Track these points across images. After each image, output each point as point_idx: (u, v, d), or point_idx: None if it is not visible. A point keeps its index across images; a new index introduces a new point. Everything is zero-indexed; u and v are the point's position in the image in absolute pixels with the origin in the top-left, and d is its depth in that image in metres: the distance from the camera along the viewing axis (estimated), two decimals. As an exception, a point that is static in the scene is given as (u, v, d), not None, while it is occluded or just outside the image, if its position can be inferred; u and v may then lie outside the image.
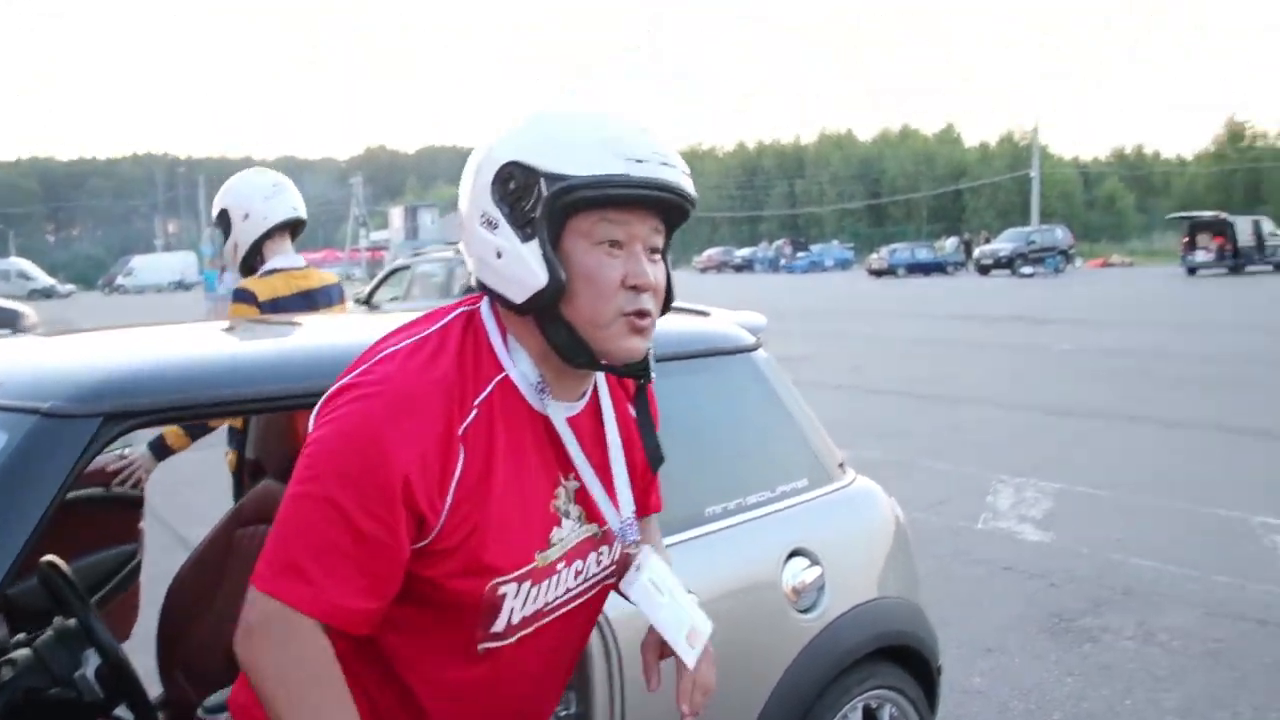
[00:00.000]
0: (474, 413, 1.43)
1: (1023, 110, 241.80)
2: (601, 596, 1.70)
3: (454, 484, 1.39)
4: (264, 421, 3.25)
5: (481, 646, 1.51)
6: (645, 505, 1.74)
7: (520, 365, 1.49)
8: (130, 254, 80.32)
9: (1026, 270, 46.07)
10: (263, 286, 3.88)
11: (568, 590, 1.57)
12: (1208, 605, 5.15)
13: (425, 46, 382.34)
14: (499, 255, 1.44)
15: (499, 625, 1.50)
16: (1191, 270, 42.91)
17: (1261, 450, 8.83)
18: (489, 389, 1.46)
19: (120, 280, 70.97)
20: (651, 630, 1.68)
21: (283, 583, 1.34)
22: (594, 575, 1.62)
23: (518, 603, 1.50)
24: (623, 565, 1.68)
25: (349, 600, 1.35)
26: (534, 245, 1.42)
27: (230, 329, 2.65)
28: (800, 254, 67.20)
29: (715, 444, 2.66)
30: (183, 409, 1.91)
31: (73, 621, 2.23)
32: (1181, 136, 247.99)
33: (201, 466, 5.14)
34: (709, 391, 2.69)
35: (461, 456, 1.40)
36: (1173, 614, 5.09)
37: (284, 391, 1.99)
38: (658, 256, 1.50)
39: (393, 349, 1.45)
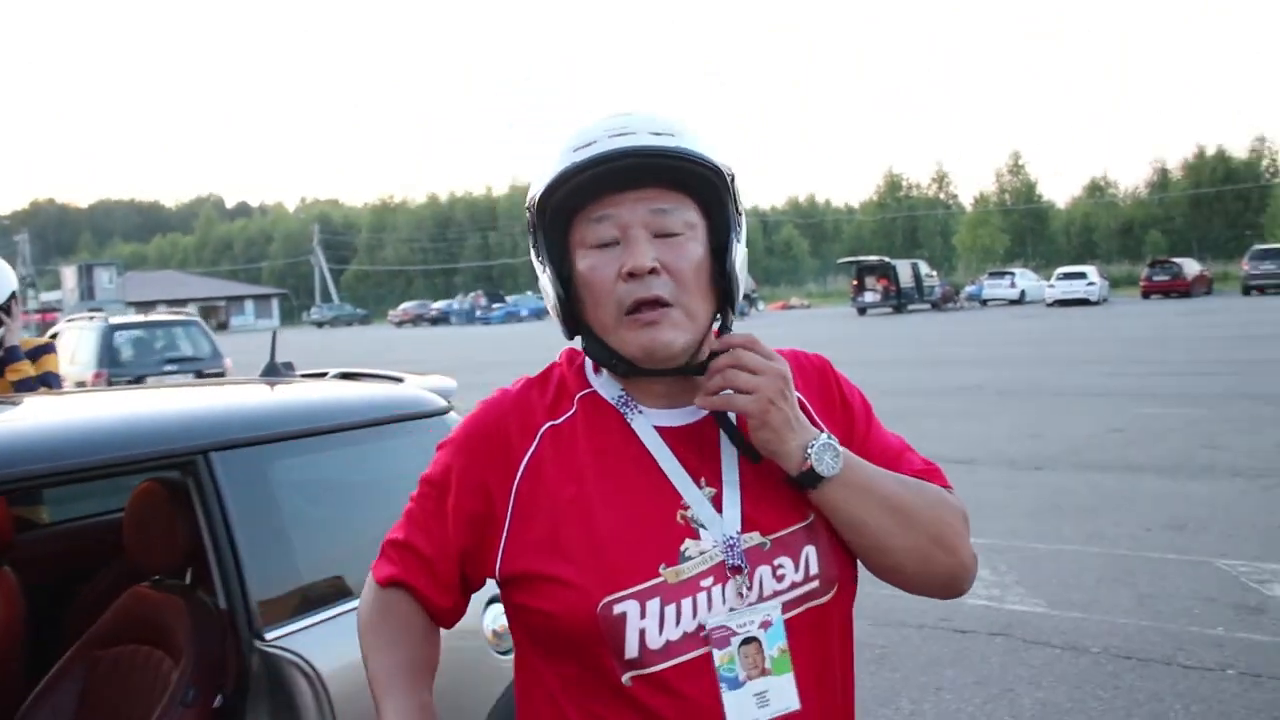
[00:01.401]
0: (544, 427, 1.44)
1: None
2: (824, 621, 1.42)
3: (514, 489, 1.41)
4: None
5: (626, 677, 1.33)
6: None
7: (604, 383, 1.47)
8: None
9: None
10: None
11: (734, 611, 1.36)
12: (873, 616, 5.67)
13: (100, 91, 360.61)
14: (544, 294, 1.48)
15: (631, 650, 1.33)
16: (862, 310, 46.34)
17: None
18: (574, 405, 1.46)
19: None
20: None
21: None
22: (779, 593, 1.38)
23: (649, 624, 1.33)
24: (827, 579, 1.41)
25: (394, 534, 1.53)
26: (546, 271, 1.43)
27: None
28: (496, 305, 67.70)
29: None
30: None
31: None
32: (848, 186, 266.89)
33: None
34: (401, 456, 2.82)
35: (523, 468, 1.41)
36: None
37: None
38: (677, 238, 1.38)
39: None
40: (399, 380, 3.16)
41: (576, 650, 1.36)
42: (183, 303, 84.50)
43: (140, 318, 16.20)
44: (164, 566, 2.61)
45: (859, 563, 1.46)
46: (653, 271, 1.36)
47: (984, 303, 51.72)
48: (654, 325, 1.36)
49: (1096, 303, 45.01)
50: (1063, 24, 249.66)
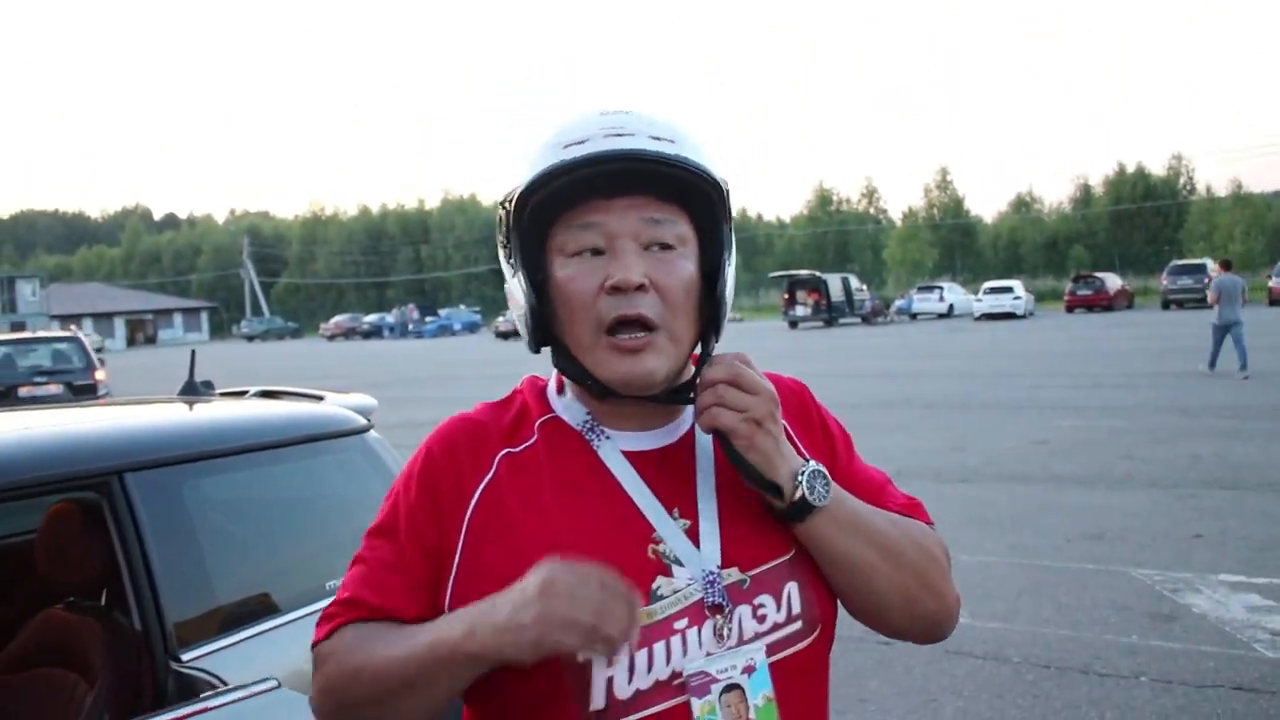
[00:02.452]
0: (501, 454, 1.32)
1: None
2: (809, 666, 1.32)
3: (466, 519, 1.28)
4: None
5: None
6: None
7: (568, 406, 1.36)
8: None
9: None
10: None
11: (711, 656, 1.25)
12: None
13: (22, 99, 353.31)
14: (510, 301, 1.35)
15: (597, 701, 1.20)
16: (793, 324, 46.72)
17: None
18: (534, 432, 1.34)
19: None
20: None
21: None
22: (761, 635, 1.27)
23: (617, 671, 1.20)
24: (810, 619, 1.30)
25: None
26: (517, 275, 1.30)
27: None
28: (429, 318, 67.36)
29: (332, 522, 2.80)
30: None
31: None
32: (779, 201, 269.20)
33: None
34: (323, 473, 2.82)
35: (477, 496, 1.29)
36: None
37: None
38: (669, 253, 1.27)
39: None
40: (319, 399, 3.16)
41: (535, 702, 1.23)
42: (109, 316, 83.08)
43: (14, 335, 19.93)
44: (78, 588, 2.58)
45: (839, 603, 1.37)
46: (640, 288, 1.24)
47: (913, 316, 52.44)
48: (637, 354, 1.25)
49: (1022, 316, 45.84)
50: (987, 45, 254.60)
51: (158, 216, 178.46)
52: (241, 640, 2.47)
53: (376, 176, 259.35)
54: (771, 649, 1.26)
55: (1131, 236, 77.87)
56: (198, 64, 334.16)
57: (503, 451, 1.32)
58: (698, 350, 1.36)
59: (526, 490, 1.29)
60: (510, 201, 1.30)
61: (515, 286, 1.32)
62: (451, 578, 1.27)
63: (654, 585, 1.24)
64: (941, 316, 51.06)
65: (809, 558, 1.30)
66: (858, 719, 4.67)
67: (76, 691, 2.45)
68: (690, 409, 1.35)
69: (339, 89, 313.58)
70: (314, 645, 1.31)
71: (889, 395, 17.53)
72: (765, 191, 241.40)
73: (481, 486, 1.30)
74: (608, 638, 1.09)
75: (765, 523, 1.30)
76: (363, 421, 3.03)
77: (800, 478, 1.27)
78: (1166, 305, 44.78)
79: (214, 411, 3.10)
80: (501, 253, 1.35)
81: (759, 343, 35.75)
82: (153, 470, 2.49)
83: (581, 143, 1.25)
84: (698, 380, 1.29)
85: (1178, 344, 23.80)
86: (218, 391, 3.54)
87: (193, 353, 3.68)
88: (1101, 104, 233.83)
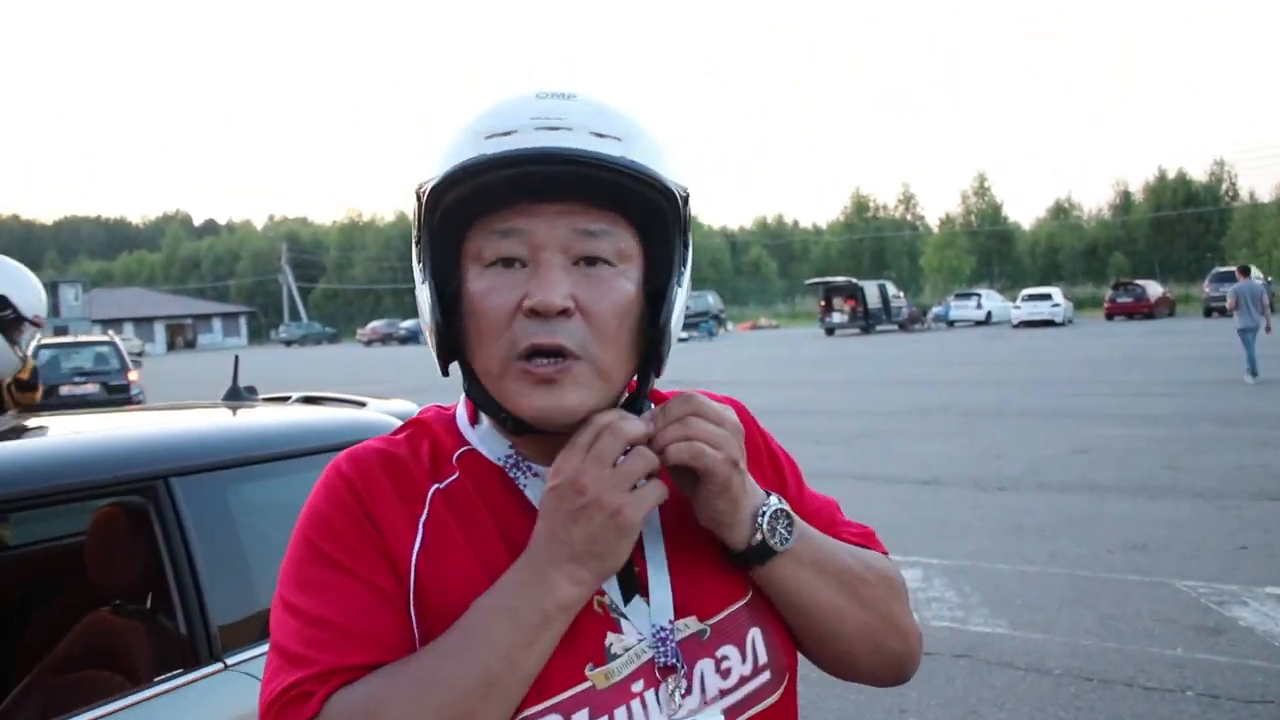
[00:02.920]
0: (432, 490, 1.11)
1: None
2: None
3: (413, 563, 1.07)
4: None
5: None
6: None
7: (485, 437, 1.16)
8: None
9: (682, 335, 48.57)
10: None
11: None
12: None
13: (66, 107, 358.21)
14: (419, 310, 1.14)
15: None
16: (830, 330, 46.62)
17: (889, 495, 9.78)
18: (455, 467, 1.13)
19: None
20: None
21: None
22: (727, 692, 1.11)
23: None
24: (778, 668, 1.16)
25: None
26: (426, 284, 1.09)
27: None
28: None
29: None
30: None
31: None
32: (816, 207, 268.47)
33: None
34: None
35: (420, 536, 1.08)
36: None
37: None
38: (602, 270, 1.07)
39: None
40: (362, 404, 3.17)
41: None
42: (149, 320, 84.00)
43: (59, 339, 20.81)
44: (124, 591, 2.60)
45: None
46: (563, 312, 1.04)
47: (950, 324, 52.13)
48: (552, 384, 1.05)
49: (1061, 324, 45.46)
50: (1027, 50, 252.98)
51: (198, 222, 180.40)
52: (285, 645, 2.47)
53: (414, 183, 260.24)
54: (737, 709, 1.11)
55: (1173, 243, 77.23)
56: (238, 71, 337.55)
57: (432, 488, 1.11)
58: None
59: (469, 527, 1.09)
60: (422, 195, 1.09)
61: (423, 297, 1.11)
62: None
63: (606, 643, 1.07)
64: (979, 324, 50.73)
65: (767, 599, 1.16)
66: (898, 730, 4.63)
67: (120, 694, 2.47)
68: None
69: (378, 96, 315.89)
70: None
71: (926, 402, 17.42)
72: (801, 198, 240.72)
73: (421, 522, 1.09)
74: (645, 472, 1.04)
75: (718, 562, 1.14)
76: (404, 427, 3.03)
77: (762, 518, 1.12)
78: (1209, 313, 44.29)
79: (258, 417, 3.12)
80: (414, 254, 1.13)
81: (795, 350, 35.65)
82: (198, 475, 2.50)
83: (508, 134, 1.04)
84: (646, 413, 1.10)
85: (1219, 352, 23.52)
86: (261, 397, 3.56)
87: (236, 358, 3.71)
88: (1142, 109, 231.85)
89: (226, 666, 2.35)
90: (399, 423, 3.04)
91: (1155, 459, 10.93)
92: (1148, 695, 4.81)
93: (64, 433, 2.73)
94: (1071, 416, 14.77)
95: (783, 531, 1.13)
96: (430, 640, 1.03)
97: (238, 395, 3.45)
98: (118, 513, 2.56)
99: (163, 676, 2.31)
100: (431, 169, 1.08)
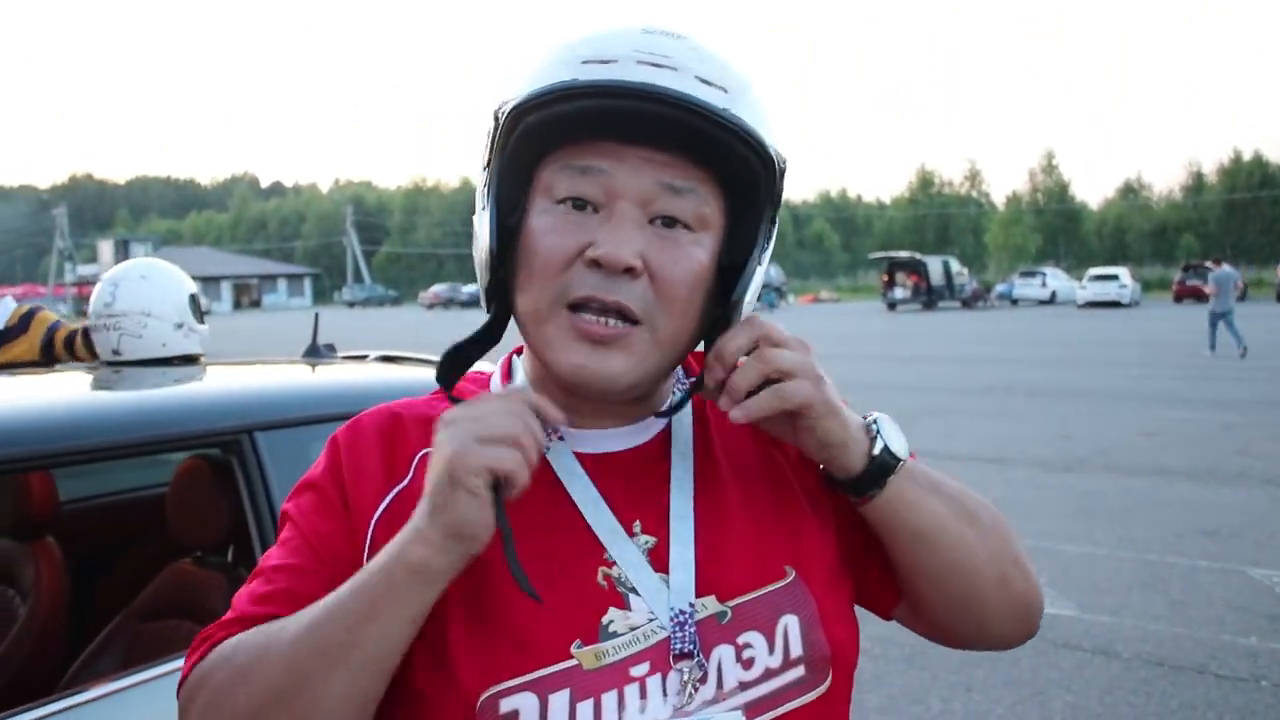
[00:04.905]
0: (420, 455, 1.04)
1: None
2: None
3: (370, 532, 1.01)
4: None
5: None
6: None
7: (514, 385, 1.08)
8: None
9: (743, 306, 48.56)
10: None
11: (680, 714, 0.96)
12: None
13: (139, 68, 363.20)
14: (474, 239, 1.05)
15: None
16: (891, 305, 46.21)
17: (953, 473, 9.65)
18: None
19: None
20: None
21: None
22: (747, 685, 0.98)
23: None
24: (816, 662, 1.01)
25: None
26: (487, 210, 1.00)
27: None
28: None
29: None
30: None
31: None
32: (880, 181, 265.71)
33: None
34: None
35: (384, 505, 1.02)
36: (875, 624, 5.56)
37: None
38: (680, 234, 0.98)
39: None
40: (434, 364, 3.16)
41: None
42: (216, 280, 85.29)
43: None
44: (206, 543, 2.63)
45: (909, 612, 1.13)
46: (629, 271, 0.95)
47: (1014, 302, 51.43)
48: (602, 346, 0.96)
49: (1128, 305, 44.65)
50: (1100, 24, 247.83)
51: (265, 184, 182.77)
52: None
53: (478, 148, 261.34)
54: (760, 705, 0.97)
55: (1245, 226, 75.56)
56: (309, 36, 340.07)
57: (423, 452, 1.03)
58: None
59: None
60: (501, 113, 0.99)
61: (481, 224, 1.01)
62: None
63: (605, 620, 0.97)
64: (1043, 303, 49.98)
65: (816, 582, 1.03)
66: (964, 707, 4.58)
67: None
68: (675, 415, 1.08)
69: (446, 61, 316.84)
70: (182, 681, 1.00)
71: (991, 381, 17.20)
72: (865, 172, 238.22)
73: (393, 492, 1.03)
74: (520, 441, 0.89)
75: (753, 539, 1.03)
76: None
77: (875, 427, 1.02)
78: (1282, 297, 43.33)
79: (338, 375, 3.14)
80: (480, 177, 1.03)
81: (857, 324, 35.38)
82: (281, 430, 2.51)
83: (607, 63, 0.94)
84: (708, 367, 1.01)
85: (1295, 338, 22.98)
86: (340, 355, 3.58)
87: (316, 316, 3.74)
88: (1217, 88, 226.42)
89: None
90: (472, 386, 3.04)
91: (1226, 444, 10.71)
92: (1220, 684, 4.72)
93: (150, 386, 2.76)
94: (1139, 398, 14.52)
95: (896, 437, 1.03)
96: None
97: (317, 353, 3.48)
98: (201, 465, 2.59)
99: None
100: (516, 88, 0.98)
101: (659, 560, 1.00)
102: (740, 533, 1.03)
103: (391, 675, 0.94)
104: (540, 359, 1.01)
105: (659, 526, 1.02)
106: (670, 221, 0.97)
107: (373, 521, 1.01)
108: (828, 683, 1.01)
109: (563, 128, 0.96)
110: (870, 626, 1.19)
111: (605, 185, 0.96)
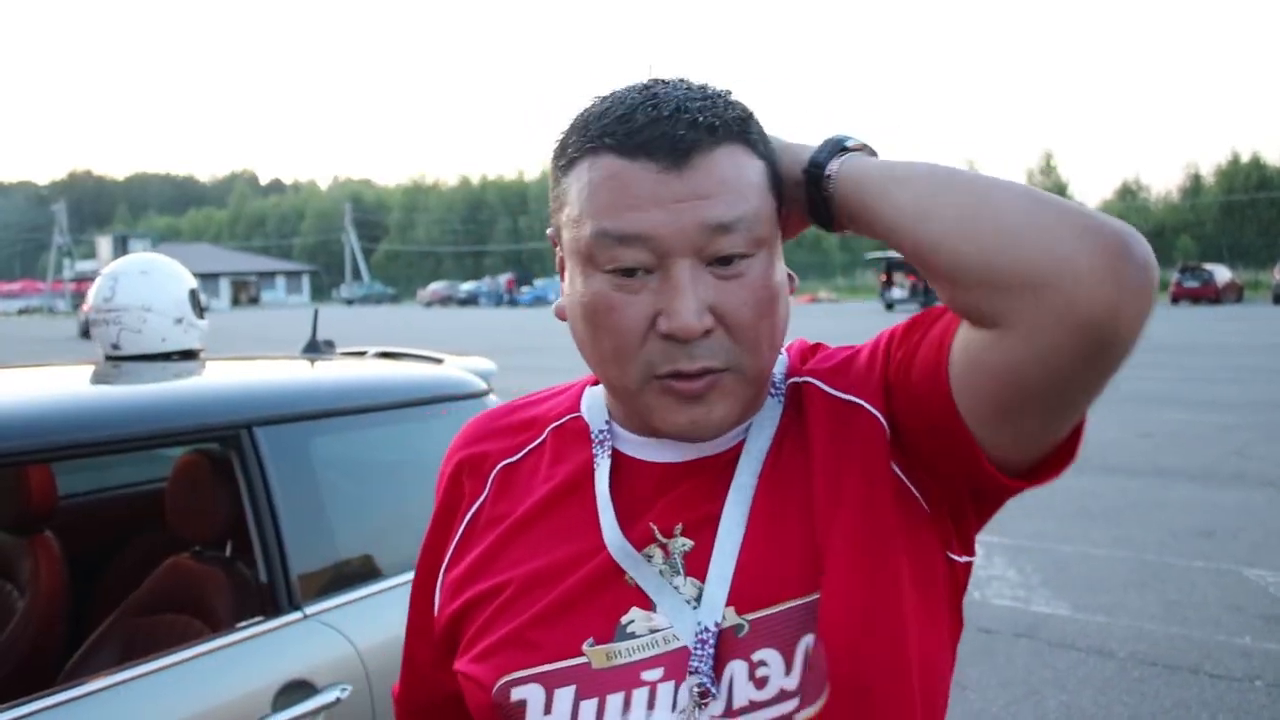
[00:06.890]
0: (497, 468, 1.10)
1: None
2: None
3: (453, 544, 1.10)
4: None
5: None
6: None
7: (594, 405, 1.09)
8: None
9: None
10: None
11: None
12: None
13: (138, 65, 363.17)
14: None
15: None
16: (889, 305, 46.14)
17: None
18: (544, 434, 1.11)
19: None
20: None
21: None
22: (758, 705, 0.93)
23: None
24: (839, 681, 0.92)
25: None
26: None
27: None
28: (525, 288, 67.97)
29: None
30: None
31: None
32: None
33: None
34: (440, 438, 2.83)
35: (466, 520, 1.10)
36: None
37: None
38: (738, 266, 0.94)
39: None
40: (439, 361, 3.18)
41: None
42: (215, 276, 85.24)
43: None
44: (204, 538, 2.64)
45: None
46: (705, 333, 0.93)
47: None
48: (698, 401, 0.95)
49: (1127, 306, 44.48)
50: (1099, 24, 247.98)
51: (264, 181, 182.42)
52: (361, 598, 2.51)
53: (477, 147, 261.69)
54: None
55: (1243, 228, 75.49)
56: (309, 33, 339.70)
57: (499, 465, 1.10)
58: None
59: (509, 501, 1.08)
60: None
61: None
62: (437, 595, 1.13)
63: (625, 619, 0.96)
64: (1042, 303, 49.84)
65: (844, 599, 0.93)
66: (959, 706, 4.60)
67: (202, 639, 2.51)
68: (755, 419, 1.03)
69: (444, 60, 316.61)
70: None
71: (988, 381, 17.17)
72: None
73: (474, 507, 1.11)
74: None
75: (783, 552, 0.96)
76: (482, 385, 3.05)
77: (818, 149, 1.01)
78: (1279, 300, 43.30)
79: (338, 370, 3.15)
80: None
81: (856, 323, 35.37)
82: (281, 425, 2.53)
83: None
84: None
85: (1292, 340, 23.00)
86: (339, 351, 3.59)
87: (315, 312, 3.75)
88: (1215, 90, 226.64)
89: (305, 616, 2.38)
90: (477, 380, 3.07)
91: (1223, 445, 10.73)
92: (1214, 683, 4.73)
93: (150, 381, 2.77)
94: (1135, 400, 14.52)
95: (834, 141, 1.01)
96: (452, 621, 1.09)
97: (316, 349, 3.49)
98: (201, 460, 2.60)
99: (243, 624, 2.34)
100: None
101: (694, 565, 0.97)
102: (784, 542, 0.97)
103: None
104: (642, 420, 1.00)
105: (701, 531, 0.98)
106: (727, 260, 0.94)
107: (458, 532, 1.13)
108: (826, 698, 0.92)
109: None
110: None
111: (652, 249, 0.92)
